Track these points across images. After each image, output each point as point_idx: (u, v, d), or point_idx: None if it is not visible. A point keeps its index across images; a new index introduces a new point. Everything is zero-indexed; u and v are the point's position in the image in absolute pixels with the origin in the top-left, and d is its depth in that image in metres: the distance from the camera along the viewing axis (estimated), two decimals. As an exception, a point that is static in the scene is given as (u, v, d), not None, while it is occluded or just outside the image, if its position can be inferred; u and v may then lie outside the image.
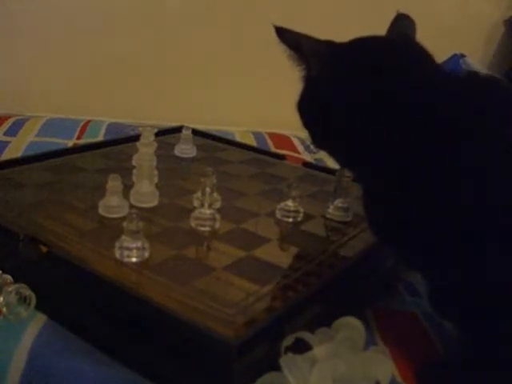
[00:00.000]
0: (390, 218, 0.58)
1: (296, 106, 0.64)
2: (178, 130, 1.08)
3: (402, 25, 0.64)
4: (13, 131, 1.29)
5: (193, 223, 0.72)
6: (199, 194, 0.72)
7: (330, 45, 0.62)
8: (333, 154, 0.64)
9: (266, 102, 1.60)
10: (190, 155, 1.01)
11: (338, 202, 0.80)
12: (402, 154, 0.55)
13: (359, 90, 0.57)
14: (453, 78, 0.58)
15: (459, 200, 0.52)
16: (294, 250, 0.71)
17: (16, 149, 1.18)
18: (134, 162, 0.81)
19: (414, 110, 0.54)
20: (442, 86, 0.56)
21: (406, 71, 0.57)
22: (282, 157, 1.06)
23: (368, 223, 0.61)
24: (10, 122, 1.35)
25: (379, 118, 0.56)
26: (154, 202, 0.79)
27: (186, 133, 1.02)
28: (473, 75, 0.59)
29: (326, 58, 0.60)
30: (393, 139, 0.55)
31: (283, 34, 0.63)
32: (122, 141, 1.03)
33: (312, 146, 0.67)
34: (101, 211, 0.74)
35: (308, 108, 0.63)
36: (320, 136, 0.64)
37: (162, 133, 1.06)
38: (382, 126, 0.55)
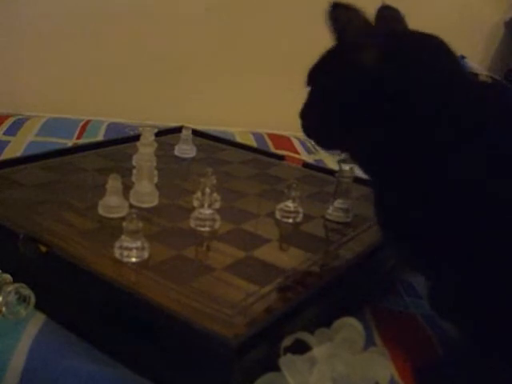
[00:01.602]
0: (399, 214, 0.58)
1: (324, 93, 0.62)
2: (177, 130, 1.08)
3: (391, 17, 0.62)
4: (13, 131, 1.29)
5: (192, 223, 0.72)
6: (199, 194, 0.72)
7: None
8: (352, 146, 0.63)
9: (265, 103, 1.61)
10: (190, 155, 1.01)
11: (338, 203, 0.80)
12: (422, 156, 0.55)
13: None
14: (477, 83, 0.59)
15: (465, 201, 0.52)
16: (293, 250, 0.71)
17: (16, 148, 1.18)
18: (133, 162, 0.82)
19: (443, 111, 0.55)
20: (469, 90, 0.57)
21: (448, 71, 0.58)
22: (281, 157, 1.06)
23: (376, 217, 0.62)
24: (9, 121, 1.36)
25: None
26: (154, 202, 0.79)
27: (185, 133, 1.02)
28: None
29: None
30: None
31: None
32: (122, 141, 1.03)
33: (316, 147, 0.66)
34: (100, 211, 0.74)
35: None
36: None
37: (161, 133, 1.06)
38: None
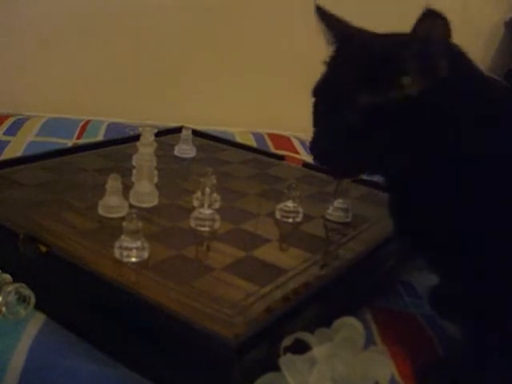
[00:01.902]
0: (411, 209, 0.58)
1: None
2: (177, 130, 1.08)
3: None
4: (13, 131, 1.29)
5: (192, 223, 0.72)
6: (199, 194, 0.72)
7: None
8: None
9: (265, 103, 1.60)
10: (190, 155, 1.01)
11: (338, 203, 0.80)
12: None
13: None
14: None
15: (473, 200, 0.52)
16: (293, 250, 0.71)
17: (16, 148, 1.18)
18: (133, 162, 0.82)
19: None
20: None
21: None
22: (281, 157, 1.06)
23: (390, 211, 0.61)
24: (9, 121, 1.36)
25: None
26: (154, 202, 0.79)
27: (185, 133, 1.02)
28: None
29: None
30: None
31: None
32: (122, 141, 1.03)
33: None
34: (100, 211, 0.74)
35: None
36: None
37: (161, 133, 1.06)
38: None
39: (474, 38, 1.69)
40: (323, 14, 0.62)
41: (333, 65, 0.60)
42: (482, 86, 0.57)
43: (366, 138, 0.56)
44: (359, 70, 0.56)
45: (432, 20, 0.50)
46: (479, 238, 0.52)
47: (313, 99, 0.60)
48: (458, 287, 0.57)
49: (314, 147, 0.60)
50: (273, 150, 1.31)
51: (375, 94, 0.54)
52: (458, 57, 0.56)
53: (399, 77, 0.53)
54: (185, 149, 1.01)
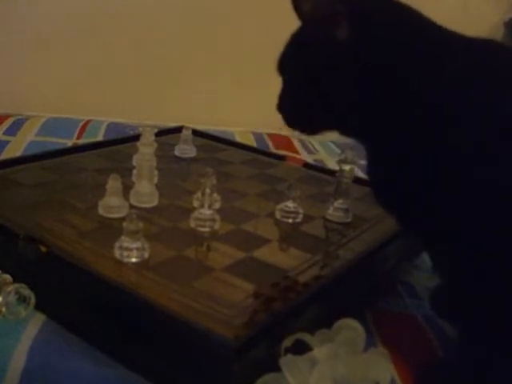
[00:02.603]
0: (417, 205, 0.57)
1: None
2: (177, 130, 1.08)
3: None
4: (13, 131, 1.29)
5: (192, 224, 0.72)
6: (199, 194, 0.72)
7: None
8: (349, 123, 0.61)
9: (266, 103, 1.60)
10: (190, 155, 1.01)
11: (338, 203, 0.80)
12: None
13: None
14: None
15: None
16: (293, 251, 0.71)
17: (16, 148, 1.18)
18: (133, 162, 0.81)
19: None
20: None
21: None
22: (281, 157, 1.06)
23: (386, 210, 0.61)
24: (9, 121, 1.36)
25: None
26: (154, 203, 0.79)
27: (185, 133, 1.02)
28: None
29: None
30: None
31: None
32: (122, 141, 1.03)
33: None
34: (101, 211, 0.73)
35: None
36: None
37: (161, 133, 1.05)
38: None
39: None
40: None
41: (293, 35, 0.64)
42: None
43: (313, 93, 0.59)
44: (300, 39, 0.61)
45: None
46: (479, 236, 0.52)
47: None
48: (458, 287, 0.57)
49: (279, 106, 0.66)
50: (273, 150, 1.31)
51: (307, 61, 0.59)
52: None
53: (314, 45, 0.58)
54: (185, 149, 1.01)
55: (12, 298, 0.61)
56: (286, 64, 0.64)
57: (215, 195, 0.74)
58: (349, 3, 0.56)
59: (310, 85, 0.59)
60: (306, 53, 0.60)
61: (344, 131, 0.63)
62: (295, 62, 0.62)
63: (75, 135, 1.30)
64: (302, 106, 0.62)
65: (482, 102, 0.52)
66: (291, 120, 0.64)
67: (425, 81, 0.54)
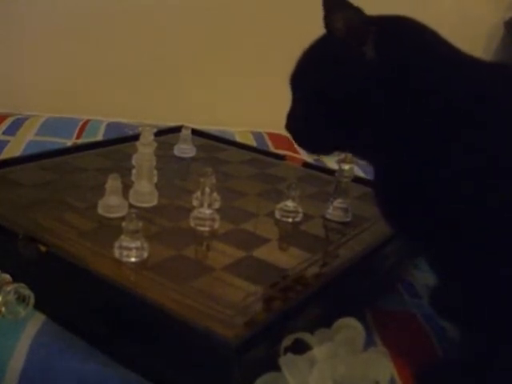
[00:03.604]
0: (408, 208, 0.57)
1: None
2: (177, 129, 1.08)
3: None
4: (12, 130, 1.29)
5: (192, 223, 0.72)
6: (198, 193, 0.72)
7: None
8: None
9: (265, 102, 1.60)
10: (190, 155, 1.01)
11: (338, 203, 0.80)
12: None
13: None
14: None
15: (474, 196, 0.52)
16: (293, 250, 0.71)
17: (15, 148, 1.17)
18: (133, 162, 0.81)
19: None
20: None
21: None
22: (281, 157, 1.06)
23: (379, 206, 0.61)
24: (9, 121, 1.35)
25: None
26: (154, 202, 0.78)
27: (185, 133, 1.02)
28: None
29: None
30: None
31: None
32: (122, 140, 1.03)
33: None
34: (100, 211, 0.73)
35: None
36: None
37: (161, 133, 1.06)
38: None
39: (473, 38, 1.69)
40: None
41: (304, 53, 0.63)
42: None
43: (331, 116, 0.59)
44: (319, 56, 0.60)
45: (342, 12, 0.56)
46: (479, 236, 0.52)
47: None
48: (458, 287, 0.57)
49: (289, 125, 0.64)
50: (273, 149, 1.31)
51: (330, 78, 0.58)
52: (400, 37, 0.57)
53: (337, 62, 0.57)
54: (184, 148, 1.01)
55: (11, 297, 0.61)
56: (302, 80, 0.62)
57: (215, 195, 0.74)
58: (379, 24, 0.56)
59: (330, 102, 0.58)
60: (329, 69, 0.59)
61: (357, 151, 0.63)
62: (315, 77, 0.60)
63: (75, 135, 1.30)
64: (316, 124, 0.61)
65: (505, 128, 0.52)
66: (303, 140, 0.64)
67: (448, 103, 0.54)
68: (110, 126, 1.39)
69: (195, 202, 0.75)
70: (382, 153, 0.59)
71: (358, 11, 0.56)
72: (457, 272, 0.56)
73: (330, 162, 1.23)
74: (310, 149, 0.65)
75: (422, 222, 0.56)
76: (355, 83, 0.57)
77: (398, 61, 0.56)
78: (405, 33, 0.58)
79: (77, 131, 1.33)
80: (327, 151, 0.65)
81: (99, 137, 1.30)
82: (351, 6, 0.56)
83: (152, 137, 0.80)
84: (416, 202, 0.55)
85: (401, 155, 0.56)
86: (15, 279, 0.62)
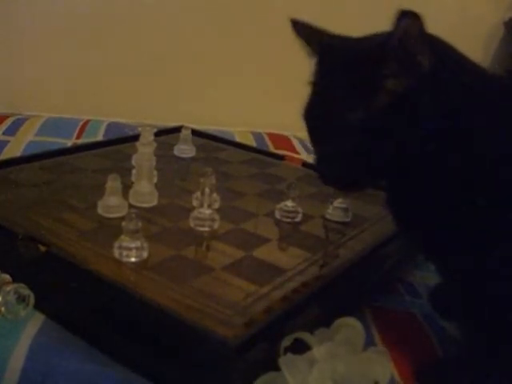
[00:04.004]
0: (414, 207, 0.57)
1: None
2: (177, 130, 1.08)
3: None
4: (12, 130, 1.29)
5: (192, 223, 0.72)
6: (198, 194, 0.72)
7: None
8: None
9: (265, 103, 1.60)
10: (190, 155, 1.01)
11: (337, 203, 0.80)
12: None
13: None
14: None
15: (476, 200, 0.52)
16: (293, 250, 0.71)
17: (15, 148, 1.17)
18: (133, 162, 0.81)
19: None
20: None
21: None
22: (281, 157, 1.06)
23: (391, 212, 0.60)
24: (9, 121, 1.35)
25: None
26: (153, 202, 0.79)
27: (185, 133, 1.02)
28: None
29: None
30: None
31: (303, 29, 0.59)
32: (122, 141, 1.03)
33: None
34: (100, 211, 0.73)
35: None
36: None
37: (161, 133, 1.06)
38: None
39: (473, 38, 1.69)
40: (301, 28, 0.60)
41: (317, 83, 0.58)
42: (472, 76, 0.56)
43: (366, 151, 0.54)
44: (343, 85, 0.55)
45: (405, 19, 0.50)
46: (480, 238, 0.52)
47: (305, 122, 0.59)
48: (459, 287, 0.57)
49: (319, 170, 0.60)
50: (272, 149, 1.31)
51: (364, 107, 0.53)
52: (441, 50, 0.55)
53: (383, 81, 0.52)
54: (184, 148, 1.01)
55: (11, 297, 0.61)
56: (330, 113, 0.56)
57: (214, 195, 0.74)
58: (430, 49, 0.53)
59: (357, 141, 0.54)
60: (353, 106, 0.53)
61: (387, 185, 0.60)
62: (338, 114, 0.55)
63: (75, 135, 1.30)
64: (355, 161, 0.56)
65: None
66: (335, 180, 0.60)
67: (491, 133, 0.53)
68: (110, 126, 1.39)
69: (195, 202, 0.75)
70: (413, 184, 0.56)
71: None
72: (457, 272, 0.56)
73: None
74: (341, 187, 0.62)
75: (429, 225, 0.56)
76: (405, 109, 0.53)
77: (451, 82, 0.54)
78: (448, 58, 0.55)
79: (77, 131, 1.33)
80: (360, 188, 0.61)
81: (99, 137, 1.30)
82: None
83: (152, 137, 0.80)
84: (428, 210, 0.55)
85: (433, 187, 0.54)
86: (15, 279, 0.62)
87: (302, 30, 0.60)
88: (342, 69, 0.55)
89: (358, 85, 0.53)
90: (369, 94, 0.53)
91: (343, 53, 0.57)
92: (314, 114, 0.58)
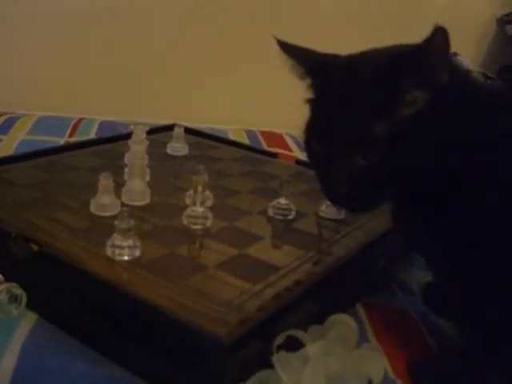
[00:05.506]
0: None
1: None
2: (170, 128, 1.08)
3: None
4: (4, 129, 1.28)
5: (185, 221, 0.72)
6: (191, 192, 0.72)
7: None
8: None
9: (258, 101, 1.60)
10: (182, 153, 1.01)
11: (331, 200, 0.79)
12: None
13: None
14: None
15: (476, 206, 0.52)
16: (286, 247, 0.71)
17: (7, 147, 1.17)
18: (125, 160, 0.81)
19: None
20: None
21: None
22: (274, 155, 1.06)
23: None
24: (1, 120, 1.35)
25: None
26: (146, 200, 0.78)
27: (178, 131, 1.02)
28: None
29: None
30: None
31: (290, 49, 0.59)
32: (114, 139, 1.03)
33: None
34: (92, 209, 0.73)
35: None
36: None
37: (153, 131, 1.05)
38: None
39: (466, 35, 1.70)
40: (288, 49, 0.60)
41: (323, 102, 0.58)
42: (482, 89, 0.57)
43: (387, 168, 0.54)
44: (362, 101, 0.54)
45: (440, 34, 0.50)
46: (477, 237, 0.52)
47: (312, 143, 0.58)
48: (454, 285, 0.57)
49: (332, 193, 0.58)
50: (266, 147, 1.31)
51: (388, 119, 0.53)
52: (454, 65, 0.55)
53: (407, 92, 0.52)
54: (177, 146, 1.01)
55: (3, 296, 0.61)
56: (353, 127, 0.54)
57: (207, 193, 0.74)
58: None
59: (380, 156, 0.53)
60: (376, 119, 0.53)
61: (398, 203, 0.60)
62: (360, 131, 0.54)
63: (67, 133, 1.30)
64: (375, 178, 0.55)
65: None
66: (353, 200, 0.58)
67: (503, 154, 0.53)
68: (102, 124, 1.39)
69: (188, 200, 0.75)
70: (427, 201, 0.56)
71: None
72: (455, 271, 0.56)
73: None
74: (354, 209, 0.61)
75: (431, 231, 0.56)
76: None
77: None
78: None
79: (69, 130, 1.32)
80: (373, 209, 0.61)
81: (92, 135, 1.29)
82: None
83: (144, 135, 0.79)
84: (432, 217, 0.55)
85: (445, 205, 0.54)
86: (7, 278, 0.62)
87: (291, 50, 0.60)
88: (363, 83, 0.55)
89: (383, 97, 0.53)
90: (393, 105, 0.53)
91: (358, 68, 0.56)
92: (332, 131, 0.56)
